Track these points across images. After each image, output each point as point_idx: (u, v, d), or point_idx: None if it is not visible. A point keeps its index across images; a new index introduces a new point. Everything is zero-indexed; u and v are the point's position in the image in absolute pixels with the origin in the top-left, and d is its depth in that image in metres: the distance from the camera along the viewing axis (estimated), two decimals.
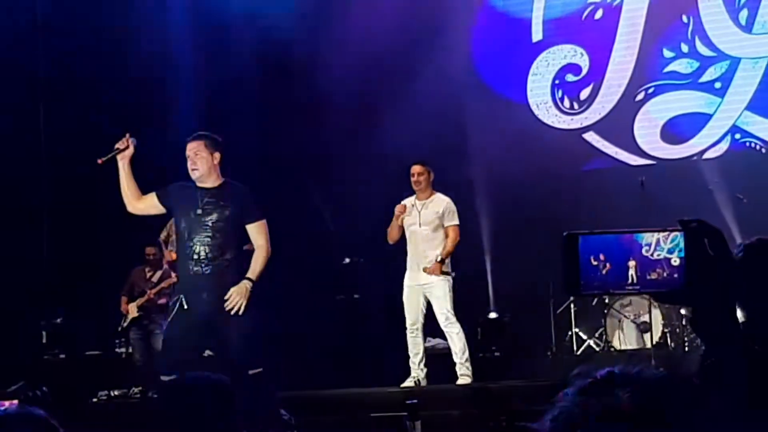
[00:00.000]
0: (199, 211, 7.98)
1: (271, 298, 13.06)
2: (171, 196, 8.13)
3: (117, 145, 8.01)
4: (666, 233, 2.95)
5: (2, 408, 8.23)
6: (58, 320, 12.93)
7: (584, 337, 12.38)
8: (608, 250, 3.01)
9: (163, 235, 11.63)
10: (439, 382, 10.87)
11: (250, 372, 8.00)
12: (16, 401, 9.02)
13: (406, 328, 10.85)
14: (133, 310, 11.49)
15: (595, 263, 3.09)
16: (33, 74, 13.65)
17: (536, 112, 13.77)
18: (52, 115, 13.60)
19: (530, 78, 13.81)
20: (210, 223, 7.95)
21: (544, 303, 12.52)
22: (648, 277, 2.95)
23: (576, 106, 13.61)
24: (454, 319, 10.64)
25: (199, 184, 8.08)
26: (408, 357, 10.91)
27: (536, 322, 12.66)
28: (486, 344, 12.24)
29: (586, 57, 13.51)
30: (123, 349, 12.35)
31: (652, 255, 2.95)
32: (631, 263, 2.99)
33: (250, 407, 8.11)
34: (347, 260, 13.09)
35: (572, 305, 12.36)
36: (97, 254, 13.11)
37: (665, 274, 2.93)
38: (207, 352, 9.41)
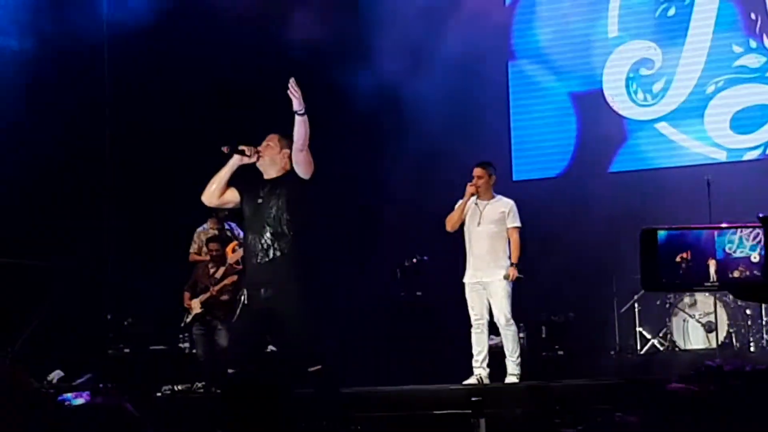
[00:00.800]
0: (260, 201, 8.07)
1: (335, 296, 13.22)
2: (241, 186, 8.26)
3: (244, 148, 8.15)
4: (748, 230, 2.91)
5: (80, 398, 8.34)
6: (127, 321, 13.03)
7: (648, 336, 12.31)
8: (688, 246, 2.98)
9: (194, 248, 11.75)
10: (502, 380, 10.83)
11: (310, 369, 8.03)
12: (87, 392, 9.16)
13: (469, 326, 10.85)
14: (196, 306, 11.52)
15: (677, 260, 3.06)
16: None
17: (611, 103, 14.11)
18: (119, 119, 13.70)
19: (606, 71, 14.18)
20: (270, 214, 8.02)
21: (608, 302, 12.45)
22: (729, 275, 2.92)
23: (649, 98, 13.99)
24: (512, 321, 10.76)
25: (264, 176, 8.19)
26: (471, 355, 10.89)
27: (600, 321, 12.60)
28: (550, 343, 12.20)
29: (659, 52, 13.93)
30: (186, 345, 12.43)
31: (734, 252, 2.92)
32: (711, 261, 2.95)
33: (311, 404, 8.18)
34: (414, 259, 13.12)
35: (636, 304, 12.31)
36: (161, 250, 13.19)
37: (746, 272, 2.90)
38: (270, 348, 9.45)
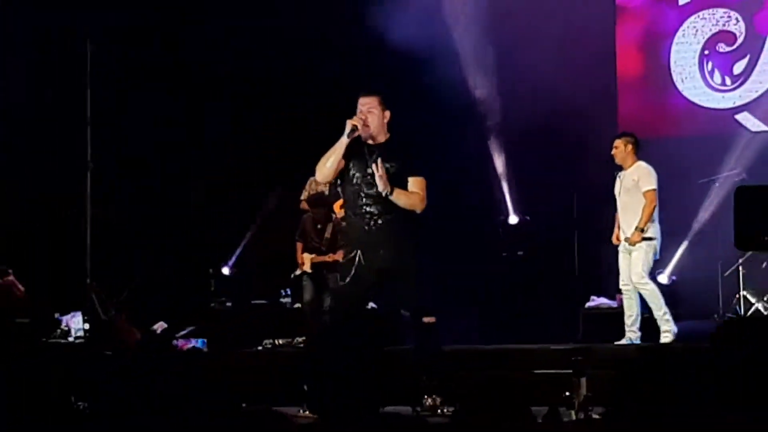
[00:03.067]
0: (369, 170, 8.05)
1: (439, 254, 13.25)
2: (348, 153, 8.17)
3: (354, 123, 8.03)
4: None
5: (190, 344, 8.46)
6: (227, 271, 13.18)
7: (752, 300, 12.16)
8: None
9: (304, 195, 11.72)
10: (605, 341, 10.81)
11: (425, 320, 8.08)
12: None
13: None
14: (307, 264, 11.53)
15: None
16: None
17: (680, 87, 12.86)
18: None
19: (674, 47, 12.79)
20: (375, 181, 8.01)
21: (712, 265, 12.32)
22: None
23: (728, 81, 12.54)
24: (646, 279, 10.79)
25: (369, 141, 8.14)
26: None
27: (703, 284, 12.47)
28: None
29: (741, 24, 12.39)
30: (288, 300, 12.52)
31: None
32: None
33: (420, 356, 8.24)
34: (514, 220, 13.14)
35: (740, 267, 12.15)
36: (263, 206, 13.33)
37: None
38: (370, 305, 9.48)
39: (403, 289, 8.13)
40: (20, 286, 11.59)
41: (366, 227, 8.05)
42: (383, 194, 7.95)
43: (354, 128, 8.02)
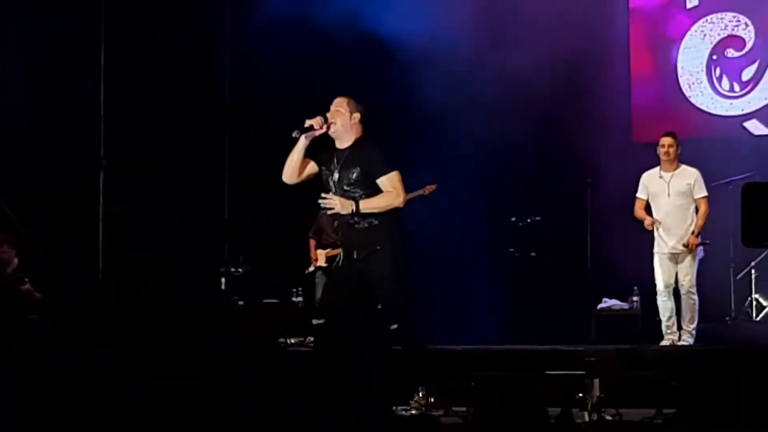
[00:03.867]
0: (336, 175, 8.05)
1: (449, 254, 13.25)
2: (319, 156, 8.18)
3: (311, 122, 8.03)
4: None
5: None
6: (239, 270, 13.17)
7: (764, 303, 12.17)
8: None
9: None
10: (617, 343, 10.80)
11: (391, 328, 8.07)
12: None
13: (656, 293, 11.11)
14: (321, 259, 11.53)
15: None
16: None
17: (687, 93, 12.78)
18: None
19: (681, 52, 12.73)
20: (347, 184, 8.00)
21: (724, 268, 12.30)
22: None
23: (737, 88, 12.48)
24: (695, 290, 10.98)
25: (337, 145, 8.14)
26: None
27: (715, 287, 12.45)
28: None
29: (751, 28, 12.28)
30: (300, 299, 12.52)
31: None
32: None
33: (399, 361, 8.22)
34: (528, 219, 13.15)
35: (753, 270, 12.14)
36: (275, 205, 13.30)
37: None
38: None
39: (380, 292, 8.08)
40: (37, 294, 11.57)
41: (346, 230, 8.07)
42: (351, 213, 7.93)
43: (309, 127, 8.00)
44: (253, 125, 13.54)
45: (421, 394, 8.15)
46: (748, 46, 12.29)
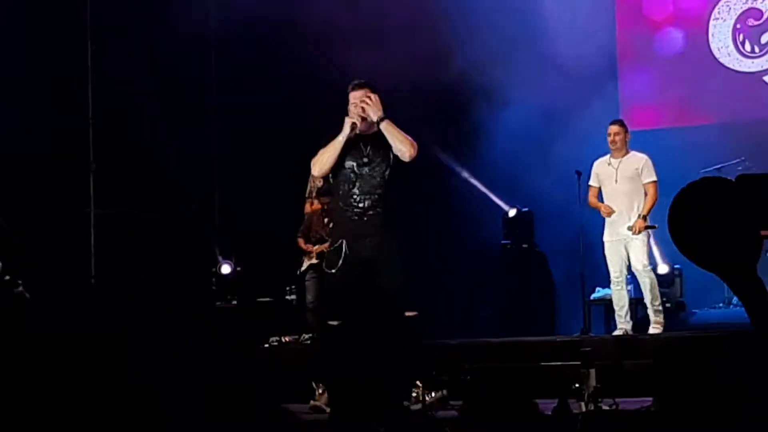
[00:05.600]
0: (365, 159, 8.02)
1: (442, 247, 13.27)
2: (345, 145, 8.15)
3: (353, 121, 7.97)
4: None
5: None
6: (227, 270, 13.15)
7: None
8: None
9: (307, 191, 11.69)
10: (610, 332, 10.82)
11: (408, 314, 8.05)
12: None
13: (610, 282, 11.03)
14: (314, 254, 11.50)
15: None
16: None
17: (717, 55, 13.98)
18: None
19: (711, 23, 14.04)
20: (374, 168, 7.99)
21: None
22: None
23: (757, 49, 13.85)
24: (649, 268, 10.84)
25: (363, 133, 8.10)
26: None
27: (707, 273, 12.43)
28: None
29: (767, 1, 13.84)
30: (293, 297, 12.50)
31: None
32: None
33: (402, 351, 8.20)
34: (512, 212, 13.15)
35: None
36: (268, 204, 13.30)
37: None
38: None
39: (386, 282, 8.06)
40: (27, 295, 11.53)
41: (354, 218, 8.03)
42: (375, 120, 7.88)
43: (353, 126, 8.00)
44: (242, 123, 13.53)
45: (420, 389, 8.16)
46: (766, 15, 13.89)
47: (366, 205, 7.98)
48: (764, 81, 13.69)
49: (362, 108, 8.01)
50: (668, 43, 14.07)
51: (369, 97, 7.88)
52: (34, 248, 12.23)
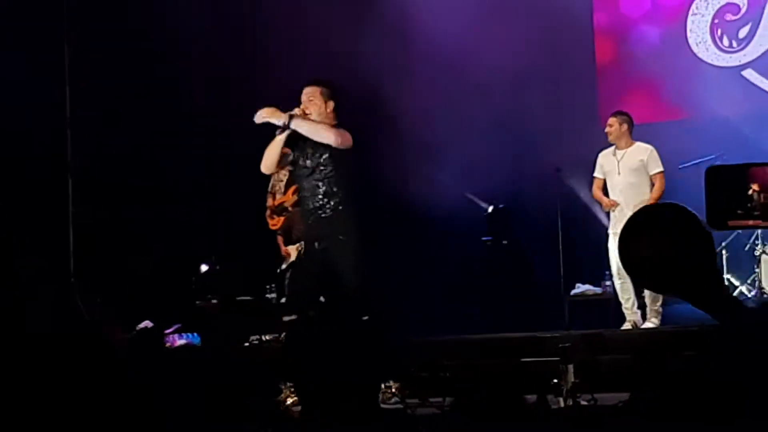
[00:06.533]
0: (309, 161, 8.03)
1: (423, 244, 13.27)
2: (291, 142, 8.16)
3: (285, 117, 8.01)
4: None
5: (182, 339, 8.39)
6: (205, 268, 13.13)
7: (736, 283, 12.21)
8: (757, 179, 2.94)
9: (270, 186, 11.69)
10: (591, 328, 10.83)
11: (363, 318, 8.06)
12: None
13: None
14: (293, 254, 11.50)
15: (749, 193, 3.01)
16: None
17: (695, 50, 13.99)
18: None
19: (690, 18, 14.04)
20: (314, 172, 7.99)
21: None
22: None
23: (735, 44, 13.84)
24: None
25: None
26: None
27: None
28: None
29: None
30: (273, 295, 12.49)
31: None
32: None
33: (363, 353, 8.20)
34: (490, 208, 13.18)
35: (724, 251, 12.18)
36: (248, 202, 13.29)
37: None
38: (321, 298, 9.48)
39: (343, 281, 8.06)
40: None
41: (311, 216, 8.04)
42: (282, 125, 7.90)
43: (286, 122, 7.98)
44: (222, 122, 13.52)
45: (388, 386, 8.15)
46: (743, 10, 13.79)
47: (316, 205, 7.99)
48: (742, 76, 13.71)
49: (306, 107, 8.05)
50: (646, 39, 14.09)
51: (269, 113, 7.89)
52: (19, 247, 12.23)
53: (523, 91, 13.22)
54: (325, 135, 7.93)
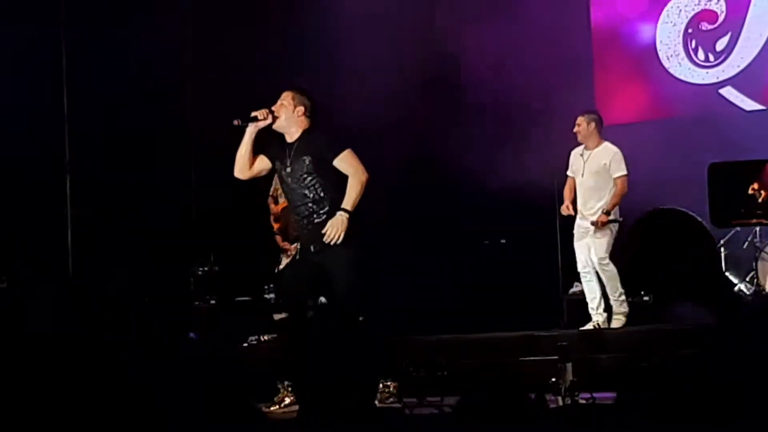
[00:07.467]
0: (289, 168, 8.06)
1: (420, 242, 13.26)
2: (272, 151, 8.20)
3: (255, 114, 8.07)
4: None
5: None
6: (203, 269, 13.12)
7: (734, 281, 12.21)
8: (758, 177, 2.96)
9: (271, 190, 11.71)
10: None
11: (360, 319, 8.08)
12: None
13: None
14: (292, 251, 11.49)
15: (749, 192, 3.03)
16: None
17: (666, 64, 13.12)
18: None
19: (660, 27, 13.10)
20: (299, 178, 8.01)
21: None
22: None
23: (711, 57, 12.81)
24: (607, 260, 10.74)
25: (286, 139, 8.16)
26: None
27: None
28: (637, 288, 12.14)
29: (722, 2, 12.67)
30: (272, 295, 12.49)
31: None
32: None
33: (357, 354, 8.21)
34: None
35: (722, 249, 12.18)
36: (245, 202, 13.28)
37: None
38: (321, 299, 9.51)
39: (338, 285, 8.07)
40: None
41: (302, 223, 8.09)
42: (252, 118, 8.01)
43: (254, 118, 8.04)
44: (217, 125, 13.49)
45: (386, 385, 8.17)
46: (720, 18, 12.57)
47: (308, 212, 8.02)
48: (720, 95, 12.72)
49: (276, 109, 8.10)
50: (640, 37, 13.36)
51: (330, 228, 7.88)
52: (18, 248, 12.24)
53: (520, 89, 13.21)
54: (360, 183, 7.94)
